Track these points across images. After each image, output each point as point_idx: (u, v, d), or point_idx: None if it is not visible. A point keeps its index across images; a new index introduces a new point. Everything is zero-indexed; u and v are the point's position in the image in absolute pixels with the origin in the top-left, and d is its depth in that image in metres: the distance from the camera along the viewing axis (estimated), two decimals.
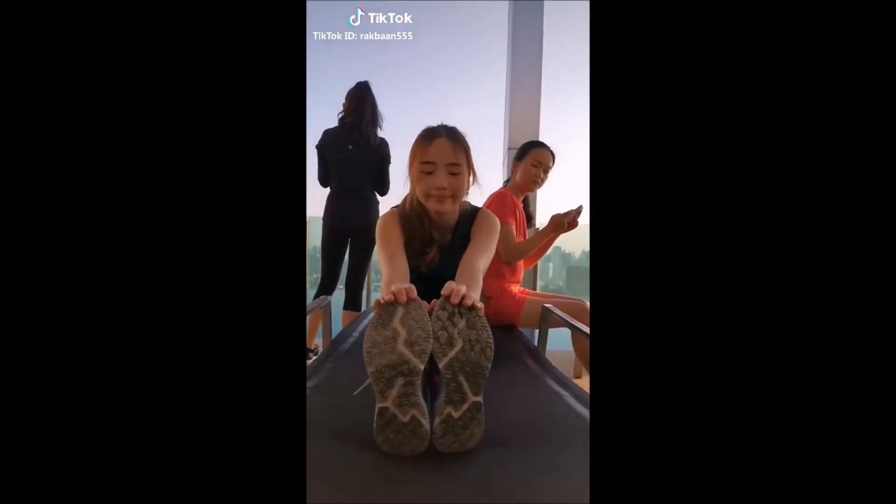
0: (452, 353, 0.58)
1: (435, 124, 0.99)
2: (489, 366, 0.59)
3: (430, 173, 0.94)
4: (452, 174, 0.94)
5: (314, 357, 1.94)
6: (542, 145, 1.66)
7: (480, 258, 0.97)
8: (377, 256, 1.02)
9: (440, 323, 0.59)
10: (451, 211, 1.02)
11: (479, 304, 0.61)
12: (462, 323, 0.59)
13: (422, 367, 0.57)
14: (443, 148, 0.93)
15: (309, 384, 0.85)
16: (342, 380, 0.89)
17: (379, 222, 1.03)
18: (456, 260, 0.97)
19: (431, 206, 0.97)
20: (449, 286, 0.62)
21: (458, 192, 0.96)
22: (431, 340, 0.58)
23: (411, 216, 1.02)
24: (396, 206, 1.07)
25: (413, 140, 0.99)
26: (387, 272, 0.92)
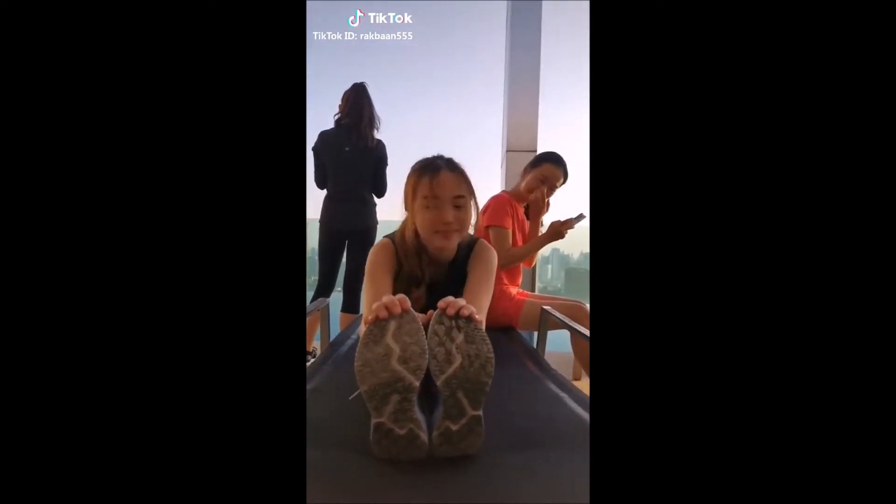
0: (450, 371, 0.55)
1: (431, 155, 0.94)
2: (489, 381, 0.56)
3: (434, 207, 0.89)
4: (458, 207, 0.90)
5: (311, 360, 1.93)
6: (556, 161, 1.62)
7: (483, 295, 0.93)
8: (364, 286, 0.96)
9: (437, 338, 0.57)
10: (453, 247, 0.96)
11: (478, 317, 0.59)
12: (461, 337, 0.57)
13: (417, 384, 0.55)
14: (446, 181, 0.89)
15: (307, 387, 0.85)
16: (340, 383, 0.89)
17: (371, 252, 0.99)
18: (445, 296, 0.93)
19: (436, 241, 0.92)
20: (445, 300, 0.60)
21: (464, 225, 0.92)
22: (427, 356, 0.56)
23: (408, 250, 0.97)
24: (390, 237, 1.01)
25: (409, 157, 0.96)
26: (370, 307, 0.88)
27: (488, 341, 0.58)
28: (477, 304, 0.89)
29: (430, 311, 0.61)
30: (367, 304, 0.92)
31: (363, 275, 2.02)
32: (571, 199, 1.69)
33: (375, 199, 2.00)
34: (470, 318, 0.58)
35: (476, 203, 0.94)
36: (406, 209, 0.96)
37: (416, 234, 0.96)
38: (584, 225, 1.56)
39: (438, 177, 0.89)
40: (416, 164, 0.94)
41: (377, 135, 1.95)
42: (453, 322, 0.57)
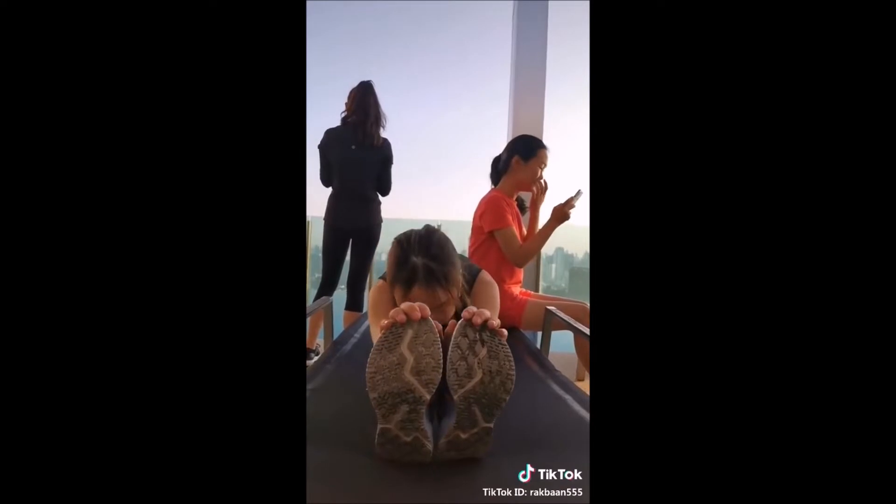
0: (470, 385, 0.54)
1: (413, 232, 0.85)
2: (507, 398, 0.55)
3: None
4: (437, 308, 0.82)
5: (315, 357, 1.93)
6: (543, 144, 1.63)
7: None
8: (370, 327, 0.91)
9: (459, 352, 0.54)
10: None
11: (503, 331, 0.57)
12: (483, 351, 0.55)
13: (429, 397, 0.54)
14: (421, 298, 0.79)
15: (309, 386, 0.85)
16: (342, 382, 0.89)
17: (371, 294, 0.96)
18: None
19: None
20: (470, 310, 0.57)
21: (447, 314, 0.85)
22: (441, 370, 0.54)
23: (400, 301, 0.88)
24: (384, 277, 0.95)
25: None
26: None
27: (511, 357, 0.56)
28: None
29: (452, 322, 0.59)
30: (372, 330, 0.89)
31: (367, 272, 2.03)
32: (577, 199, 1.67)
33: (380, 197, 2.00)
34: (495, 331, 0.56)
35: (459, 286, 0.87)
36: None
37: None
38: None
39: (412, 293, 0.81)
40: (397, 240, 0.86)
41: (383, 133, 1.95)
42: (478, 335, 0.55)
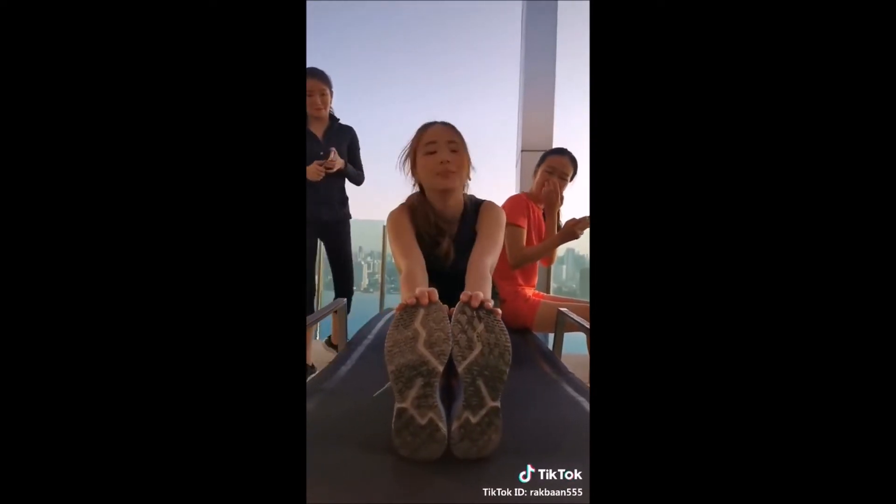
0: (472, 357, 0.60)
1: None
2: (507, 370, 0.60)
3: (432, 153, 1.04)
4: (453, 150, 1.04)
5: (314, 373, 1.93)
6: (560, 152, 1.64)
7: (488, 256, 1.00)
8: (392, 250, 1.07)
9: (460, 326, 0.61)
10: (456, 190, 1.08)
11: (497, 310, 0.64)
12: (481, 326, 0.61)
13: (440, 368, 0.59)
14: (440, 129, 1.06)
15: (322, 386, 0.85)
16: (357, 384, 0.90)
17: (388, 218, 1.11)
18: (468, 252, 1.00)
19: (438, 183, 1.05)
20: (467, 293, 0.65)
21: (460, 167, 1.04)
22: (451, 343, 0.60)
23: (417, 209, 1.10)
24: (404, 203, 1.13)
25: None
26: (405, 264, 0.97)
27: (506, 332, 0.62)
28: (482, 263, 0.97)
29: (451, 309, 0.66)
30: (396, 259, 1.04)
31: (331, 266, 1.96)
32: (583, 198, 1.66)
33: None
34: (491, 311, 0.63)
35: (468, 156, 1.08)
36: (412, 165, 1.10)
37: (422, 196, 1.11)
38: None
39: (433, 127, 1.07)
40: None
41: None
42: (475, 312, 0.63)
